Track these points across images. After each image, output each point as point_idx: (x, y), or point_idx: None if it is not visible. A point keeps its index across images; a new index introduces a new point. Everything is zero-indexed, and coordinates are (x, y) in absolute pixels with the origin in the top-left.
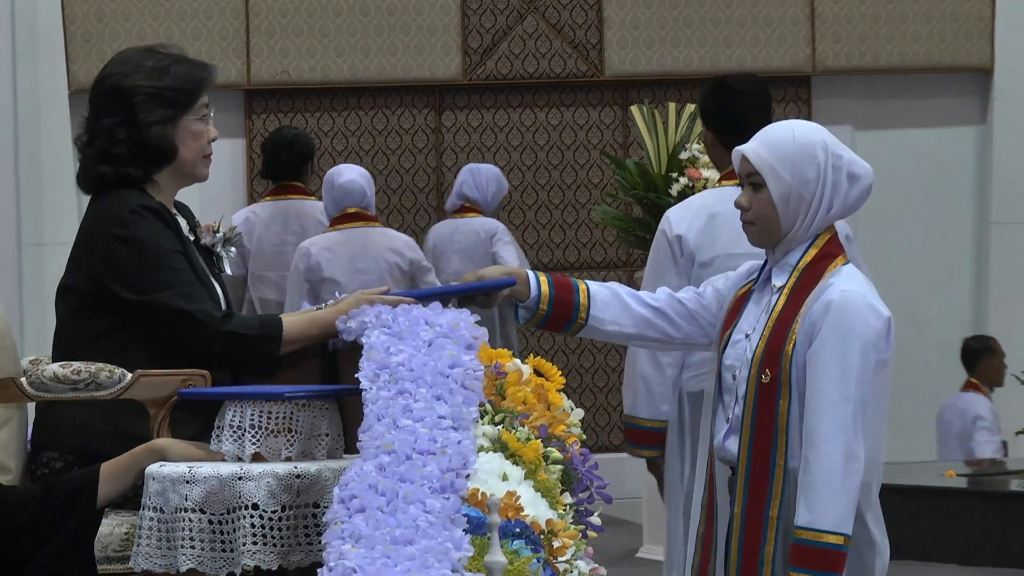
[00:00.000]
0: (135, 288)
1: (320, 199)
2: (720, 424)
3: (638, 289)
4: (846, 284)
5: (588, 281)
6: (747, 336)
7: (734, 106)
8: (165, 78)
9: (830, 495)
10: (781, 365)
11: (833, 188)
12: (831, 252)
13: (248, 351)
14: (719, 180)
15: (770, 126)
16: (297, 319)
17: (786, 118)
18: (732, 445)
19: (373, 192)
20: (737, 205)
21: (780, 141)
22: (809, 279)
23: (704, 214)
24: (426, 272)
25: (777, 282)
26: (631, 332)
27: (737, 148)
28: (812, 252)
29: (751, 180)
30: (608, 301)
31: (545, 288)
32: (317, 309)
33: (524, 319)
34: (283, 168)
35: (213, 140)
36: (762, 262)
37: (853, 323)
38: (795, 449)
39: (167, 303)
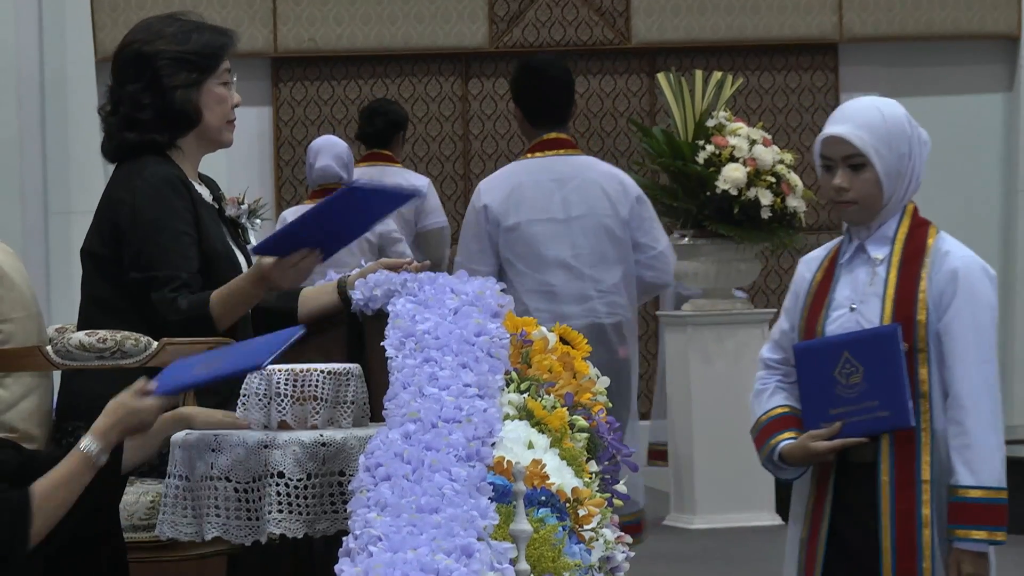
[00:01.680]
0: (129, 262)
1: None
2: None
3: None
4: (960, 251)
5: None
6: (852, 308)
7: (540, 86)
8: (188, 43)
9: (988, 452)
10: (917, 334)
11: (919, 158)
12: (921, 221)
13: (193, 332)
14: (525, 153)
15: (851, 108)
16: (223, 288)
17: (813, 86)
18: None
19: (352, 167)
20: (836, 188)
21: (873, 122)
22: (914, 248)
23: (508, 185)
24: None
25: (877, 254)
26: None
27: (832, 133)
28: (906, 222)
29: (850, 162)
30: None
31: None
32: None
33: None
34: (375, 134)
35: (236, 106)
36: (835, 242)
37: (978, 288)
38: (939, 413)
39: (139, 286)
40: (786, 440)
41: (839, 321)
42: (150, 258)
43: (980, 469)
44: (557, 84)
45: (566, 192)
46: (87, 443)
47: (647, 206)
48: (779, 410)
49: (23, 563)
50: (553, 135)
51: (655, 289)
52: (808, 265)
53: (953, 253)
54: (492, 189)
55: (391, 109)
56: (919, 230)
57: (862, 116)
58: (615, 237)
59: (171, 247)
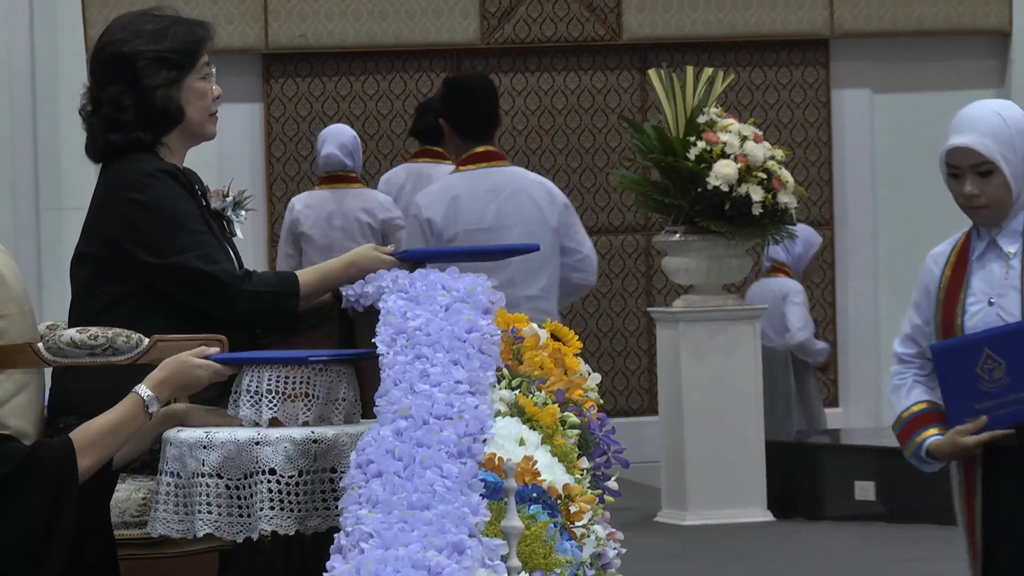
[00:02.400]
0: (155, 252)
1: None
2: None
3: None
4: None
5: None
6: (991, 302)
7: (468, 103)
8: (165, 40)
9: None
10: None
11: None
12: None
13: (271, 308)
14: (457, 166)
15: (972, 115)
16: (308, 272)
17: (804, 82)
18: None
19: (359, 156)
20: (967, 196)
21: (997, 128)
22: None
23: (447, 197)
24: (397, 230)
25: (1010, 248)
26: None
27: (959, 144)
28: None
29: (978, 170)
30: None
31: None
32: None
33: None
34: (426, 130)
35: (217, 98)
36: (960, 237)
37: None
38: None
39: (188, 265)
40: (933, 436)
41: (979, 316)
42: (188, 240)
43: None
44: (483, 100)
45: (499, 202)
46: (143, 390)
47: (572, 213)
48: (921, 405)
49: (75, 506)
50: (483, 148)
51: (581, 290)
52: (936, 260)
53: None
54: (432, 204)
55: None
56: None
57: (985, 123)
58: (543, 243)
59: (202, 230)
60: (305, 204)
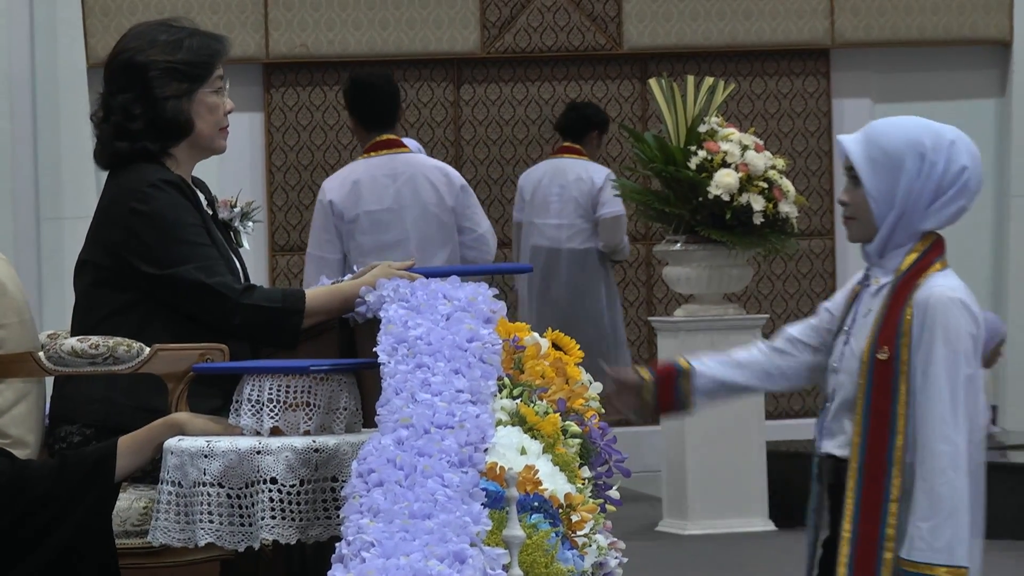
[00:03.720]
0: (155, 262)
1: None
2: None
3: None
4: (943, 282)
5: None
6: (847, 340)
7: (367, 97)
8: (179, 52)
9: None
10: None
11: (935, 185)
12: (931, 258)
13: (271, 324)
14: (363, 153)
15: (882, 120)
16: (319, 291)
17: (805, 91)
18: None
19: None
20: (840, 202)
21: (879, 134)
22: (907, 280)
23: (349, 181)
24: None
25: (879, 279)
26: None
27: (840, 138)
28: (913, 255)
29: (850, 174)
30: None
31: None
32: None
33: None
34: (567, 126)
35: (229, 112)
36: None
37: (952, 324)
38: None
39: (187, 276)
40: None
41: (837, 348)
42: (186, 253)
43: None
44: (382, 93)
45: (398, 185)
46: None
47: (470, 194)
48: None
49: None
50: (384, 136)
51: None
52: (844, 290)
53: (934, 286)
54: (335, 187)
55: (588, 107)
56: (922, 264)
57: (876, 128)
58: (441, 223)
59: (202, 243)
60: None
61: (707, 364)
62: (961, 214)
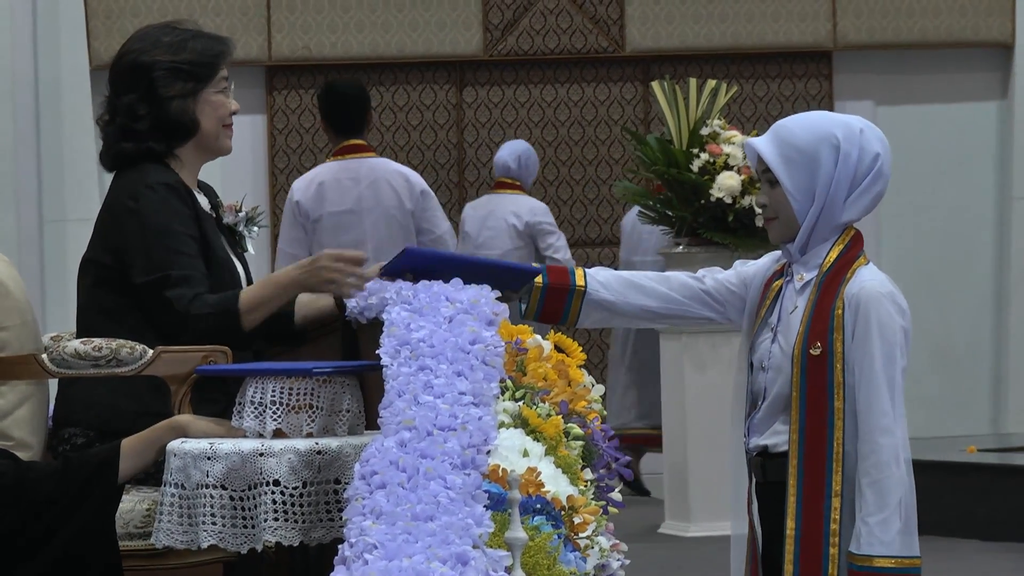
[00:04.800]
0: (137, 268)
1: None
2: None
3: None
4: (871, 276)
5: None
6: (775, 337)
7: (338, 103)
8: (183, 52)
9: None
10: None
11: (853, 176)
12: (854, 251)
13: (217, 329)
14: (330, 156)
15: (786, 119)
16: (252, 286)
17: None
18: None
19: (528, 167)
20: (758, 205)
21: (789, 133)
22: (835, 274)
23: (315, 183)
24: (544, 234)
25: (803, 275)
26: (650, 305)
27: (749, 142)
28: (837, 249)
29: (767, 176)
30: (609, 276)
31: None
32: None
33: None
34: None
35: (234, 113)
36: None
37: (884, 318)
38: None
39: (150, 287)
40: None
41: (763, 346)
42: (160, 260)
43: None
44: (351, 100)
45: (360, 188)
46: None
47: (430, 199)
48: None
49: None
50: (352, 141)
51: None
52: (763, 273)
53: (864, 281)
54: (302, 188)
55: None
56: (847, 259)
57: (785, 127)
58: (400, 224)
59: (181, 250)
60: (472, 207)
61: (605, 286)
62: (878, 201)
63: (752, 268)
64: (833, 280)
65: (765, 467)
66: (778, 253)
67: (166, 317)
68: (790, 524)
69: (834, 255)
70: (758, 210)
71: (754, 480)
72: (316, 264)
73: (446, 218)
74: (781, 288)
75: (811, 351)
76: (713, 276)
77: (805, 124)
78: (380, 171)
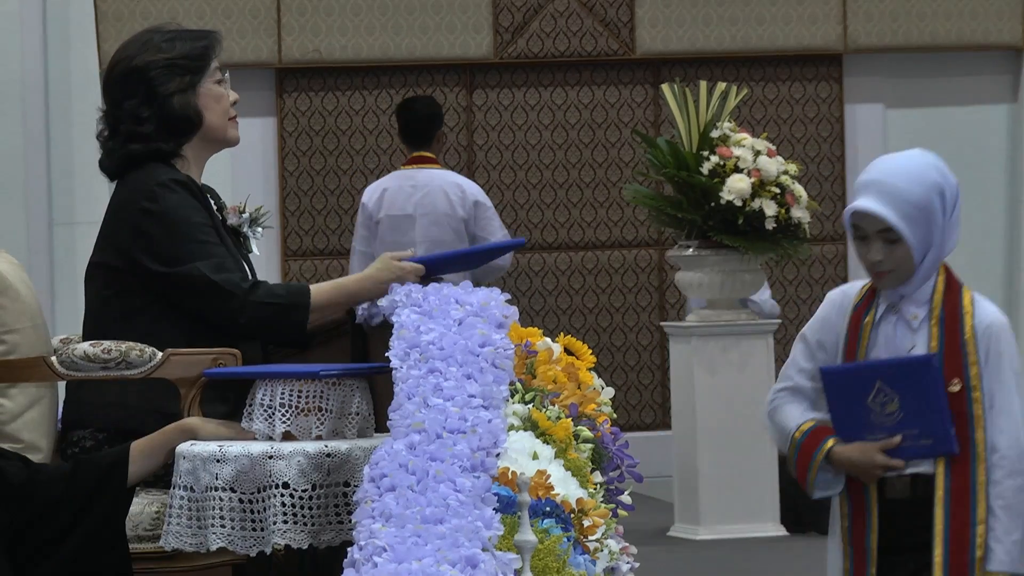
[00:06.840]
0: (164, 260)
1: None
2: None
3: None
4: (992, 308)
5: None
6: None
7: (410, 118)
8: (174, 49)
9: None
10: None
11: (952, 217)
12: (954, 282)
13: (277, 320)
14: (402, 165)
15: (882, 174)
16: (324, 286)
17: (818, 96)
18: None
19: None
20: (872, 263)
21: (905, 194)
22: (952, 307)
23: (380, 189)
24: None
25: (915, 313)
26: None
27: (863, 209)
28: (941, 282)
29: (885, 237)
30: None
31: None
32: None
33: None
34: None
35: (235, 103)
36: (863, 289)
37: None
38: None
39: (194, 274)
40: (837, 445)
41: None
42: (193, 249)
43: None
44: (420, 116)
45: (419, 196)
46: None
47: (483, 208)
48: (811, 423)
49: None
50: (419, 153)
51: (497, 270)
52: (839, 311)
53: (987, 313)
54: (370, 192)
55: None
56: (952, 290)
57: (890, 184)
58: (452, 230)
59: (210, 240)
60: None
61: None
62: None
63: (817, 324)
64: (952, 314)
65: (905, 486)
66: (835, 293)
67: (216, 301)
68: (938, 552)
69: (941, 288)
70: (768, 213)
71: (873, 495)
72: (377, 269)
73: (503, 227)
74: (874, 324)
75: (950, 388)
76: (795, 379)
77: (910, 177)
78: (438, 180)
